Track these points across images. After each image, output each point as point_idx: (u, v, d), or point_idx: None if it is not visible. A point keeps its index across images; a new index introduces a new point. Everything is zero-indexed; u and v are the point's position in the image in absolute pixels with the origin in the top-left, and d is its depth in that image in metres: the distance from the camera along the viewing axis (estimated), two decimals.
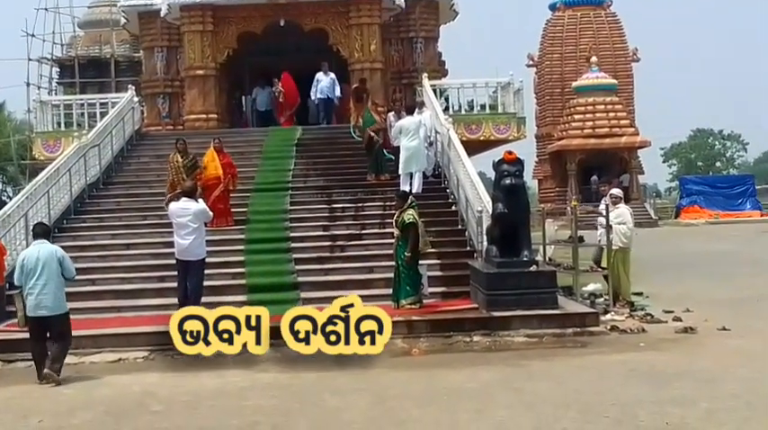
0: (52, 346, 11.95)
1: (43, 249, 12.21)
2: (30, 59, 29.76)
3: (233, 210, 18.42)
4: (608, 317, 14.76)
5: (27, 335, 12.55)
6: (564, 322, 13.93)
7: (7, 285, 15.85)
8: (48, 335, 12.02)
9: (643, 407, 9.30)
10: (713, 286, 18.69)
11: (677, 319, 14.55)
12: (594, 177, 22.62)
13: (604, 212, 16.50)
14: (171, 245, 15.40)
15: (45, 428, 9.59)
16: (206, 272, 15.30)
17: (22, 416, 10.21)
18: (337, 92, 24.81)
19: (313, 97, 25.00)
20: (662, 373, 11.00)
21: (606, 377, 11.06)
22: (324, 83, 24.58)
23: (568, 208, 22.92)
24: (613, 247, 16.18)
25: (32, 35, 30.40)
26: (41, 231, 13.06)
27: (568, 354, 12.59)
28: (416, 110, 20.06)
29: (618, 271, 16.22)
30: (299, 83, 25.60)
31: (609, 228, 16.18)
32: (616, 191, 17.52)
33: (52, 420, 9.89)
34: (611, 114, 44.80)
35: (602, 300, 16.04)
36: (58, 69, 33.45)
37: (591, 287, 16.67)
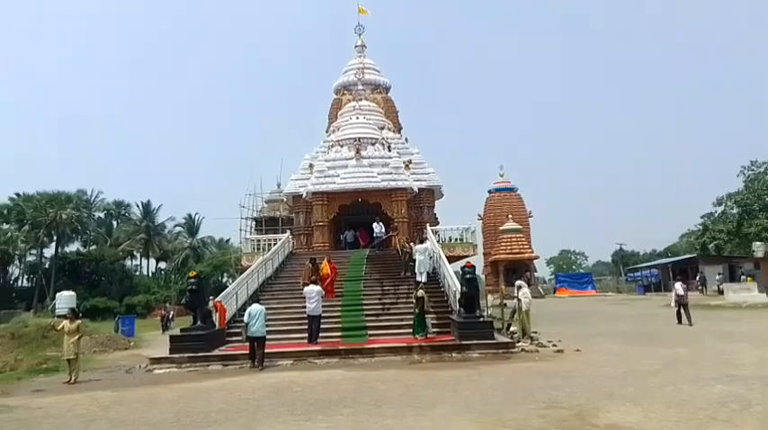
0: (259, 353, 13.13)
1: (258, 306, 13.83)
2: (241, 218, 30.51)
3: (336, 290, 18.39)
4: (520, 344, 14.41)
5: (243, 350, 13.59)
6: (498, 346, 13.69)
7: (226, 326, 15.93)
8: (256, 345, 13.18)
9: (537, 388, 9.15)
10: (572, 327, 18.28)
11: (554, 345, 14.15)
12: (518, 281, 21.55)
13: (515, 293, 16.40)
14: (304, 308, 15.36)
15: (241, 398, 9.54)
16: (322, 320, 15.25)
17: (230, 392, 10.17)
18: (383, 233, 24.95)
19: (375, 233, 25.10)
20: (547, 372, 10.79)
21: (519, 374, 10.86)
22: (377, 229, 24.74)
23: (500, 290, 22.66)
24: (523, 308, 15.94)
25: (243, 206, 31.26)
26: (256, 300, 15.48)
27: (500, 363, 12.32)
28: (424, 241, 20.15)
29: (524, 320, 15.92)
30: (366, 227, 25.86)
31: (518, 300, 16.02)
32: (519, 282, 17.24)
33: (244, 394, 9.87)
34: (520, 243, 44.70)
35: (517, 335, 15.64)
36: (254, 223, 34.09)
37: (512, 328, 16.31)
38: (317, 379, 11.03)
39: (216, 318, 15.52)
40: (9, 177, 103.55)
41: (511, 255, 44.06)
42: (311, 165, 28.17)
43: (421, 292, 14.94)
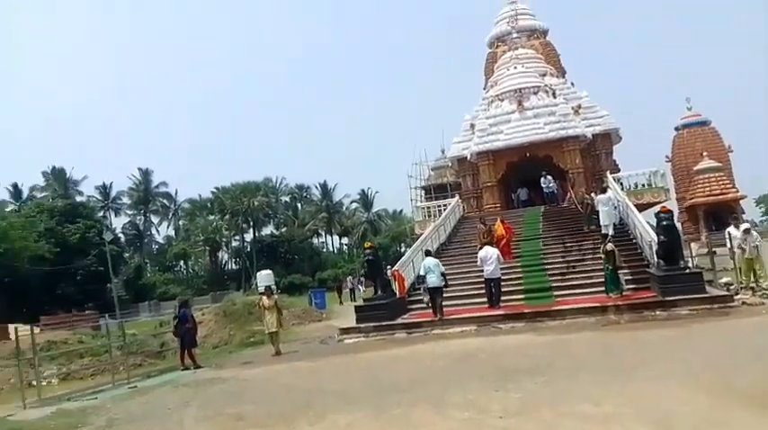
0: (438, 302, 13.59)
1: (432, 259, 14.24)
2: (410, 188, 30.67)
3: (513, 250, 17.48)
4: (739, 296, 12.29)
5: (426, 318, 13.77)
6: (711, 301, 11.82)
7: (406, 295, 15.97)
8: (435, 295, 13.69)
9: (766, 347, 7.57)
10: None
11: None
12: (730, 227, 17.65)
13: (728, 241, 13.93)
14: (482, 272, 14.72)
15: (428, 365, 9.35)
16: (502, 283, 14.59)
17: (417, 360, 10.06)
18: (555, 188, 23.41)
19: (545, 189, 23.70)
20: None
21: (743, 331, 9.24)
22: (546, 184, 23.27)
23: (702, 238, 19.88)
24: (746, 255, 13.53)
25: (411, 176, 31.32)
26: (430, 254, 14.97)
27: (716, 319, 10.63)
28: (606, 190, 18.28)
29: (751, 267, 13.52)
30: (537, 184, 24.49)
31: (741, 249, 13.59)
32: (731, 228, 14.68)
33: (431, 362, 9.65)
34: (720, 183, 38.83)
35: (734, 287, 13.31)
36: (423, 191, 34.21)
37: (724, 280, 14.01)
38: (503, 344, 10.49)
39: (395, 286, 15.66)
40: (209, 174, 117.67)
41: (711, 198, 38.57)
42: (472, 126, 27.28)
43: (610, 246, 13.48)
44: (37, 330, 21.69)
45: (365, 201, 74.64)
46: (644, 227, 15.05)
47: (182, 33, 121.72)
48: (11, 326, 22.20)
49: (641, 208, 20.36)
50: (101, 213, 61.82)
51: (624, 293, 13.20)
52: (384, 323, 13.98)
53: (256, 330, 17.96)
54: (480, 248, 15.37)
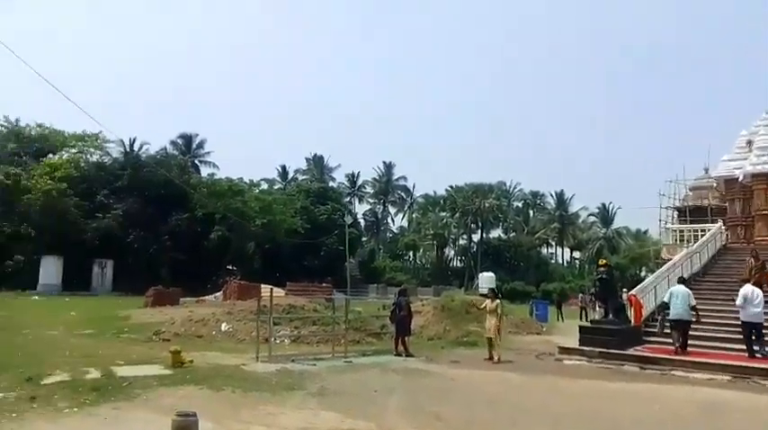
0: (681, 338, 12.13)
1: (683, 288, 12.72)
2: (660, 208, 27.28)
3: None
4: None
5: (665, 354, 12.00)
6: None
7: (642, 324, 14.07)
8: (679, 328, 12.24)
9: None
10: None
11: None
12: None
13: None
14: (738, 312, 12.13)
15: (661, 411, 7.93)
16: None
17: (646, 400, 8.66)
18: None
19: None
20: None
21: None
22: None
23: None
24: None
25: (663, 195, 27.85)
26: (682, 282, 13.25)
27: None
28: None
29: None
30: None
31: None
32: None
33: (665, 407, 8.27)
34: None
35: None
36: (676, 212, 30.24)
37: None
38: (753, 406, 8.45)
39: (630, 313, 13.88)
40: (445, 172, 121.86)
41: None
42: (749, 142, 23.05)
43: None
44: (282, 293, 24.71)
45: (604, 216, 69.57)
46: None
47: (436, 36, 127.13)
48: (262, 286, 25.54)
49: None
50: (347, 199, 68.32)
51: None
52: (612, 351, 12.41)
53: (472, 331, 17.66)
54: (743, 282, 12.74)
